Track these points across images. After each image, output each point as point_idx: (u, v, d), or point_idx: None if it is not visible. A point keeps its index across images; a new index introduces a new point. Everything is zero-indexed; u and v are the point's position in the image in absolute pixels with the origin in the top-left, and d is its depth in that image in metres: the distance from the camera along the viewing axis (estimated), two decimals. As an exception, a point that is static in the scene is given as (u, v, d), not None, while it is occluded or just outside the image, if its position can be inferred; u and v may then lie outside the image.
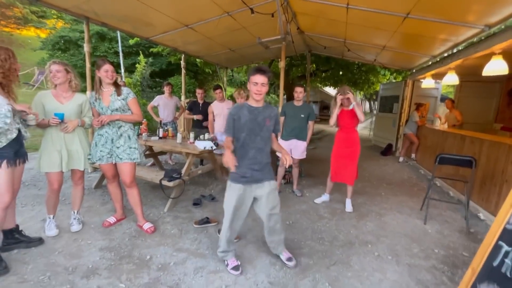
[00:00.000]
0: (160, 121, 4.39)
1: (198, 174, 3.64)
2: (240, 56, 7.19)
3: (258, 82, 1.75)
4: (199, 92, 4.63)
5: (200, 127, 4.53)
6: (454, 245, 2.52)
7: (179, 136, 3.65)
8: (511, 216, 1.35)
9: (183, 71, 6.59)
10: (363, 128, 13.95)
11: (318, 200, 3.47)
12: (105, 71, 2.25)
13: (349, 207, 3.23)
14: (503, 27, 3.19)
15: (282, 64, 4.45)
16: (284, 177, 4.00)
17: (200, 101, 4.66)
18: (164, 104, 4.81)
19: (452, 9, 3.05)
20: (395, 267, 2.16)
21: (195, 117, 4.58)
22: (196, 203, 3.19)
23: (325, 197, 3.49)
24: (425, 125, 5.93)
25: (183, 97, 6.76)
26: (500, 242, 1.34)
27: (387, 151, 7.15)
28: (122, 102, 2.33)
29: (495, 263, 1.31)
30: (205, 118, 4.44)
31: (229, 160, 1.72)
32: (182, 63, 6.54)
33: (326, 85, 14.76)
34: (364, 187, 4.13)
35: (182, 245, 2.34)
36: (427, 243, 2.53)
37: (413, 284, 1.95)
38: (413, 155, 6.07)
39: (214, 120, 4.22)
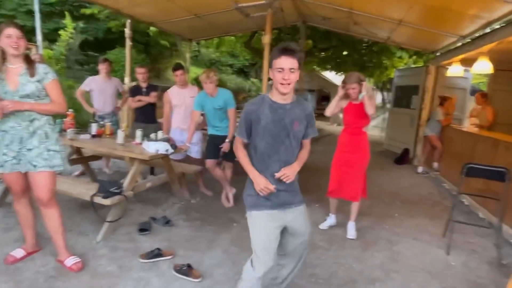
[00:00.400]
0: (94, 112, 4.30)
1: (147, 188, 3.62)
2: (209, 25, 7.20)
3: (285, 68, 1.67)
4: (140, 72, 4.61)
5: (147, 121, 4.54)
6: (484, 281, 2.69)
7: (120, 134, 3.60)
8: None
9: (128, 42, 6.51)
10: (373, 128, 14.47)
11: (323, 226, 3.55)
12: (7, 37, 2.18)
13: (351, 232, 3.34)
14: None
15: (267, 39, 4.54)
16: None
17: (144, 84, 4.63)
18: (99, 89, 4.73)
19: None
20: (409, 312, 2.27)
21: (147, 99, 4.53)
22: (144, 229, 3.16)
23: (330, 220, 3.58)
24: (451, 126, 6.30)
25: (127, 80, 6.67)
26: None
27: (403, 158, 7.56)
28: (37, 86, 2.26)
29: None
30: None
31: (261, 182, 1.72)
32: (127, 31, 6.45)
33: (326, 69, 15.28)
34: (372, 206, 4.28)
35: (122, 288, 2.31)
36: (450, 280, 2.68)
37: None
38: (435, 165, 6.42)
39: (171, 112, 4.24)
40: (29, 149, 2.28)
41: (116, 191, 2.94)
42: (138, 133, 3.72)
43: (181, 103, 4.19)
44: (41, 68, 2.31)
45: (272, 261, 1.77)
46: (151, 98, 4.54)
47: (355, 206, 3.38)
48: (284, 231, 1.86)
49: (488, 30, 4.87)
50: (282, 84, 1.68)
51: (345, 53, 11.49)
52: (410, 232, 3.57)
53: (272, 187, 1.70)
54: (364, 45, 10.50)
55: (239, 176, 2.90)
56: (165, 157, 3.54)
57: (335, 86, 18.50)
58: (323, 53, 12.18)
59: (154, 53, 15.13)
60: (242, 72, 22.88)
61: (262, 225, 1.80)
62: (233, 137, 2.92)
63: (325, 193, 3.55)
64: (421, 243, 3.33)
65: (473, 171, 3.14)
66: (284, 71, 1.66)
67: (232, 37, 11.41)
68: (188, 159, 4.42)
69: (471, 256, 3.10)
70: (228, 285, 2.42)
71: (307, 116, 1.86)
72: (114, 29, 9.77)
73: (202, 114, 4.14)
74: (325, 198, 3.66)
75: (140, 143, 3.56)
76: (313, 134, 1.93)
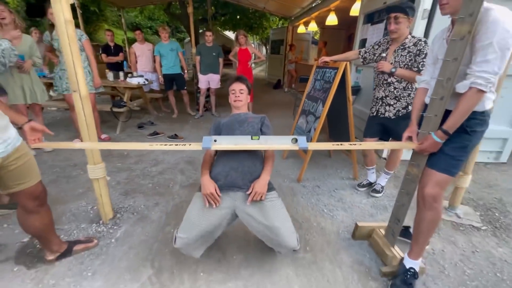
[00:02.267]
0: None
1: (135, 107, 4.38)
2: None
3: (236, 90, 1.69)
4: (108, 34, 4.87)
5: (115, 69, 4.80)
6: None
7: (110, 74, 4.17)
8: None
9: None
10: (260, 71, 15.92)
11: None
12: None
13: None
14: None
15: (190, 9, 5.17)
16: (204, 105, 5.21)
17: (111, 44, 4.94)
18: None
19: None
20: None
21: (117, 58, 4.91)
22: (141, 127, 4.09)
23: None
24: (301, 62, 8.06)
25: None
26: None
27: (277, 85, 9.20)
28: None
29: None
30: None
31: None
32: None
33: (226, 29, 15.51)
34: (260, 109, 5.85)
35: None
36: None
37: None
38: (293, 85, 8.27)
39: (136, 61, 4.75)
40: None
41: (123, 104, 3.74)
42: (110, 74, 4.29)
43: (142, 54, 4.71)
44: None
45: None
46: (120, 57, 4.92)
47: (249, 104, 4.83)
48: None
49: (314, 4, 6.37)
50: (235, 101, 1.68)
51: (238, 17, 12.00)
52: (277, 115, 5.24)
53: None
54: (250, 12, 11.13)
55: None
56: (140, 87, 4.29)
57: (233, 42, 18.97)
58: (223, 17, 12.44)
59: (84, 17, 12.98)
60: (158, 33, 20.94)
61: None
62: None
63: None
64: (284, 118, 5.02)
65: (302, 79, 4.81)
66: (236, 92, 1.68)
67: (152, 6, 10.76)
68: (151, 91, 5.12)
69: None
70: (196, 139, 3.68)
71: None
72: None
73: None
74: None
75: (123, 80, 4.21)
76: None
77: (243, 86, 1.69)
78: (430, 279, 1.51)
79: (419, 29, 2.54)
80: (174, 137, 3.68)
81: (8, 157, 1.09)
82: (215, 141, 1.31)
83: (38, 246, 1.64)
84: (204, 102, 5.10)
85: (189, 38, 19.12)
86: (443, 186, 1.31)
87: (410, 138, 1.41)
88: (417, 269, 1.43)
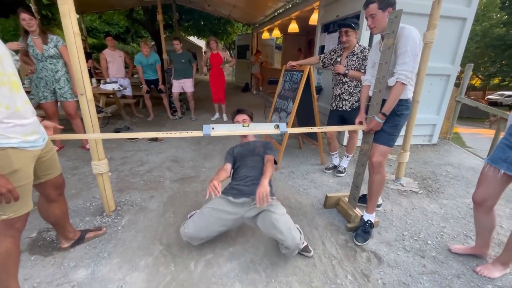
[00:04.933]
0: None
1: (110, 112, 4.42)
2: (100, 1, 6.96)
3: (239, 120, 1.89)
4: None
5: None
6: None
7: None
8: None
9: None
10: (228, 75, 16.20)
11: (213, 118, 5.19)
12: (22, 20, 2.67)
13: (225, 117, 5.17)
14: (293, 3, 5.62)
15: (160, 17, 5.36)
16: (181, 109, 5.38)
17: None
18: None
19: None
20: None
21: (88, 66, 4.85)
22: (117, 131, 4.15)
23: (216, 115, 5.28)
24: (268, 66, 8.59)
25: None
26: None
27: (246, 88, 9.60)
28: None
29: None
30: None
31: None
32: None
33: (190, 34, 15.60)
34: (231, 112, 6.18)
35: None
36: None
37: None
38: (260, 88, 8.76)
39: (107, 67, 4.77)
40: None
41: (100, 110, 3.80)
42: (93, 80, 4.32)
43: (113, 60, 4.74)
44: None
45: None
46: (89, 64, 4.89)
47: (223, 106, 5.16)
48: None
49: (276, 13, 6.93)
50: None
51: (202, 22, 12.24)
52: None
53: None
54: (215, 18, 11.43)
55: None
56: (114, 94, 4.37)
57: (199, 47, 19.01)
58: (187, 23, 12.56)
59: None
60: (119, 38, 20.19)
61: None
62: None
63: (211, 102, 5.17)
64: (256, 118, 5.40)
65: (271, 82, 5.27)
66: (240, 122, 1.84)
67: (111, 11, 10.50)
68: (123, 97, 5.15)
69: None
70: (175, 141, 3.89)
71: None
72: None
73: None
74: (211, 102, 5.27)
75: (97, 86, 4.25)
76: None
77: (245, 116, 1.91)
78: (383, 229, 1.99)
79: (364, 38, 3.13)
80: (154, 139, 3.84)
81: (43, 149, 1.29)
82: (213, 128, 1.62)
83: (47, 238, 1.78)
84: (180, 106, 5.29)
85: (151, 43, 18.63)
86: (385, 155, 1.79)
87: (361, 123, 1.88)
88: (373, 221, 1.90)
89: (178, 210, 2.17)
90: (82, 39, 4.78)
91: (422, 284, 1.52)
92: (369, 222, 1.87)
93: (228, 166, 1.79)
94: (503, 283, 1.52)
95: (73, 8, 1.61)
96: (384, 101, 1.71)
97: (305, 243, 1.72)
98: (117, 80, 4.58)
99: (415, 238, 1.90)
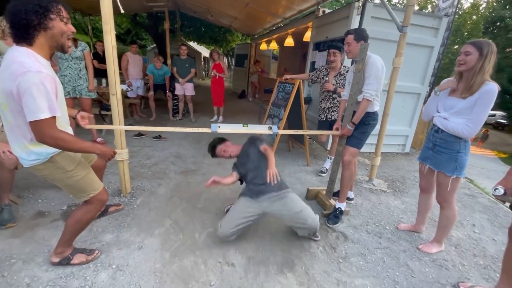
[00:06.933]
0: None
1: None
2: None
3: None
4: (100, 44, 5.25)
5: (98, 76, 5.08)
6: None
7: (94, 81, 4.55)
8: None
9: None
10: (225, 81, 16.67)
11: (212, 119, 5.62)
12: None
13: (220, 119, 5.61)
14: (290, 20, 6.17)
15: (166, 25, 5.82)
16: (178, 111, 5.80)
17: (101, 53, 5.27)
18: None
19: (270, 6, 5.63)
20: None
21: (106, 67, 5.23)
22: (124, 129, 4.53)
23: (215, 117, 5.71)
24: (264, 75, 9.10)
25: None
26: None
27: (242, 95, 10.11)
28: None
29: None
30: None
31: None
32: None
33: (190, 40, 16.13)
34: (229, 116, 6.62)
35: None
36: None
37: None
38: (257, 95, 9.25)
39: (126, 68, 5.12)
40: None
41: (109, 107, 4.16)
42: (94, 81, 4.69)
43: (134, 63, 5.15)
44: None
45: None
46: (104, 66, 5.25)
47: (220, 109, 5.61)
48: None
49: (274, 27, 7.48)
50: (229, 155, 2.13)
51: (203, 29, 12.78)
52: (244, 121, 6.07)
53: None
54: (216, 26, 11.96)
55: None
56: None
57: (198, 52, 19.50)
58: (188, 29, 13.08)
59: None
60: (119, 38, 20.56)
61: None
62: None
63: (209, 104, 5.61)
64: (251, 123, 5.85)
65: (266, 91, 5.75)
66: (225, 152, 2.15)
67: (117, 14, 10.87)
68: (126, 97, 5.49)
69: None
70: (177, 139, 4.29)
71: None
72: None
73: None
74: (209, 105, 5.71)
75: (106, 86, 4.63)
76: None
77: (224, 146, 2.17)
78: (352, 217, 2.44)
79: (349, 60, 3.64)
80: (158, 137, 4.24)
81: None
82: (219, 126, 2.06)
83: (76, 211, 2.16)
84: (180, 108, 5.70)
85: (151, 46, 19.07)
86: (354, 155, 2.26)
87: (337, 129, 2.35)
88: (343, 209, 2.34)
89: (183, 196, 2.57)
90: (100, 42, 5.21)
91: (375, 255, 1.96)
92: (339, 209, 2.32)
93: (234, 173, 2.07)
94: (437, 257, 1.99)
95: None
96: (355, 112, 2.18)
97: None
98: (133, 81, 5.20)
99: (376, 225, 2.36)
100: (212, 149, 2.18)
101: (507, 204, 1.37)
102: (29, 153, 1.31)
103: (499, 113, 21.47)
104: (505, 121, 21.79)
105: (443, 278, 1.79)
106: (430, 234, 2.23)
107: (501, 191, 1.32)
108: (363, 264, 1.86)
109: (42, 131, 1.18)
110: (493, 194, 1.36)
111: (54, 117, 1.20)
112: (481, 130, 14.64)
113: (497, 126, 22.26)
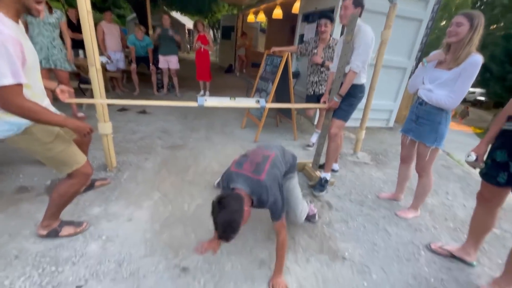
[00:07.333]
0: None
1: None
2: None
3: None
4: (72, 11, 4.79)
5: (75, 47, 4.81)
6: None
7: (81, 52, 4.28)
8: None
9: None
10: (211, 55, 16.08)
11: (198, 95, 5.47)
12: None
13: (207, 94, 5.49)
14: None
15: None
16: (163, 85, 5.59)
17: (75, 21, 4.84)
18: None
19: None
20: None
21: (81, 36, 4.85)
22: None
23: (201, 92, 5.57)
24: (252, 49, 8.83)
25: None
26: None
27: (229, 69, 9.81)
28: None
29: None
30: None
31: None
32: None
33: (172, 10, 15.13)
34: (216, 91, 6.46)
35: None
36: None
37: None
38: (244, 70, 9.03)
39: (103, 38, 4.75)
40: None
41: (89, 80, 3.96)
42: (81, 51, 4.44)
43: (110, 33, 4.77)
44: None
45: None
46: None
47: (207, 84, 5.46)
48: None
49: (262, -3, 7.12)
50: None
51: (187, -1, 11.97)
52: (232, 94, 5.97)
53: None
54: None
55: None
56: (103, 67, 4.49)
57: (182, 24, 18.47)
58: (171, -2, 12.21)
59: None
60: (95, 6, 18.93)
61: None
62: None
63: (195, 79, 5.45)
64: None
65: (254, 65, 5.61)
66: None
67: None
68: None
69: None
70: (162, 114, 4.19)
71: None
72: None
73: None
74: (195, 80, 5.55)
75: (84, 58, 4.35)
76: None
77: None
78: (336, 187, 2.55)
79: (338, 32, 3.57)
80: (143, 112, 4.11)
81: None
82: (205, 100, 2.02)
83: (61, 186, 2.12)
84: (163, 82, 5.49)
85: (131, 16, 17.88)
86: (340, 128, 2.30)
87: (324, 102, 2.36)
88: (328, 179, 2.43)
89: (171, 170, 2.57)
90: (74, 9, 4.78)
91: (357, 221, 2.09)
92: (325, 178, 2.40)
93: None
94: (412, 221, 2.14)
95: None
96: (341, 85, 2.19)
97: (315, 212, 1.97)
98: (112, 54, 4.84)
99: (359, 194, 2.48)
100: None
101: (478, 169, 1.47)
102: (1, 123, 1.24)
103: (478, 90, 22.16)
104: (483, 98, 22.59)
105: (417, 239, 1.94)
106: (408, 201, 2.37)
107: (473, 157, 1.41)
108: (345, 229, 1.98)
109: (6, 98, 1.10)
110: (466, 160, 1.45)
111: (20, 85, 1.12)
112: (462, 107, 15.17)
113: (475, 103, 23.10)
